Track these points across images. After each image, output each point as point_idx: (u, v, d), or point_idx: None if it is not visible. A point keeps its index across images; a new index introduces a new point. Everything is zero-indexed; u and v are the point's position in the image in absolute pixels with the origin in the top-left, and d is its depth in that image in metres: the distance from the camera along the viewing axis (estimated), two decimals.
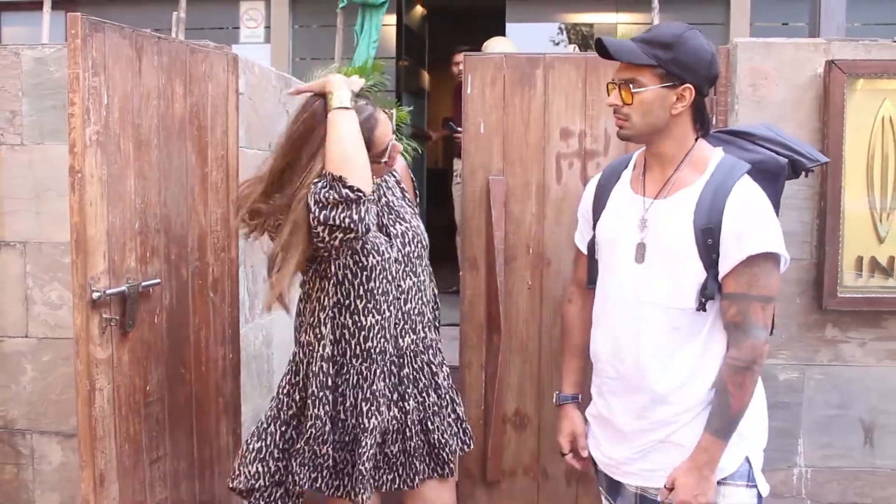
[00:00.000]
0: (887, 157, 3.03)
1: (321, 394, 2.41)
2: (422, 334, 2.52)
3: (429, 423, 2.51)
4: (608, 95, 2.23)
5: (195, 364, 3.05)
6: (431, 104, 11.69)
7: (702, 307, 2.16)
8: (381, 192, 2.53)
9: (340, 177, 2.14)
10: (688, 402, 2.19)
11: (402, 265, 2.45)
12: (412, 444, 2.49)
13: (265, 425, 2.52)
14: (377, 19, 8.79)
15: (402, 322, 2.46)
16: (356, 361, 2.40)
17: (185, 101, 2.92)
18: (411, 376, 2.50)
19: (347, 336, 2.40)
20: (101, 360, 2.56)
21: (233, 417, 3.33)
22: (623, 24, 10.87)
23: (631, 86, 2.16)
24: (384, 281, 2.39)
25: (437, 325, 2.66)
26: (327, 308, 2.40)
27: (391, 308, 2.42)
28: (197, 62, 2.98)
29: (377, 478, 2.46)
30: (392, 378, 2.46)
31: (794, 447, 3.14)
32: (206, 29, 9.04)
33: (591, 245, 2.44)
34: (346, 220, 2.14)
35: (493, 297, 3.08)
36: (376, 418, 2.40)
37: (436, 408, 2.53)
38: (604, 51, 2.20)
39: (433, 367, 2.55)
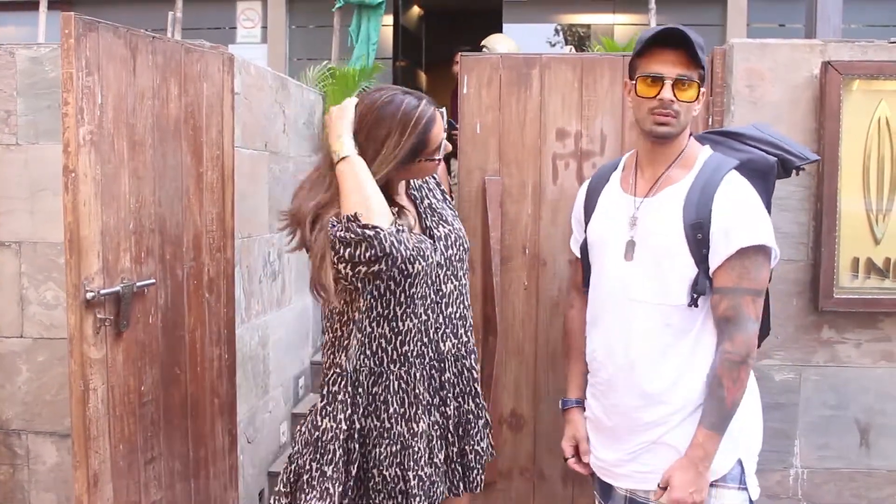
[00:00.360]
0: (883, 158, 3.03)
1: (343, 407, 2.28)
2: (464, 339, 2.42)
3: (461, 431, 2.42)
4: (657, 89, 2.16)
5: (190, 364, 3.04)
6: None
7: (693, 303, 2.17)
8: (423, 193, 2.44)
9: (354, 215, 2.07)
10: (679, 401, 2.20)
11: (444, 269, 2.35)
12: (455, 451, 2.41)
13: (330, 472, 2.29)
14: (376, 21, 8.79)
15: (444, 326, 2.35)
16: (395, 367, 2.29)
17: (180, 100, 2.91)
18: (452, 381, 2.39)
19: (384, 344, 2.29)
20: (96, 360, 2.55)
21: (228, 418, 3.32)
22: (620, 25, 10.89)
23: (699, 84, 2.18)
24: (424, 285, 2.29)
25: None
26: (365, 323, 2.28)
27: (429, 311, 2.31)
28: (192, 62, 2.98)
29: (430, 493, 2.33)
30: (434, 382, 2.35)
31: (791, 448, 3.14)
32: (203, 29, 9.05)
33: (584, 248, 2.44)
34: (368, 255, 2.06)
35: (489, 297, 3.07)
36: (424, 422, 2.31)
37: (471, 416, 2.44)
38: (672, 39, 2.16)
39: (474, 372, 2.45)
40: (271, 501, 2.42)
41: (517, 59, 3.11)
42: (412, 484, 2.26)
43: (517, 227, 3.09)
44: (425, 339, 2.31)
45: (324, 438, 2.26)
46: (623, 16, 10.79)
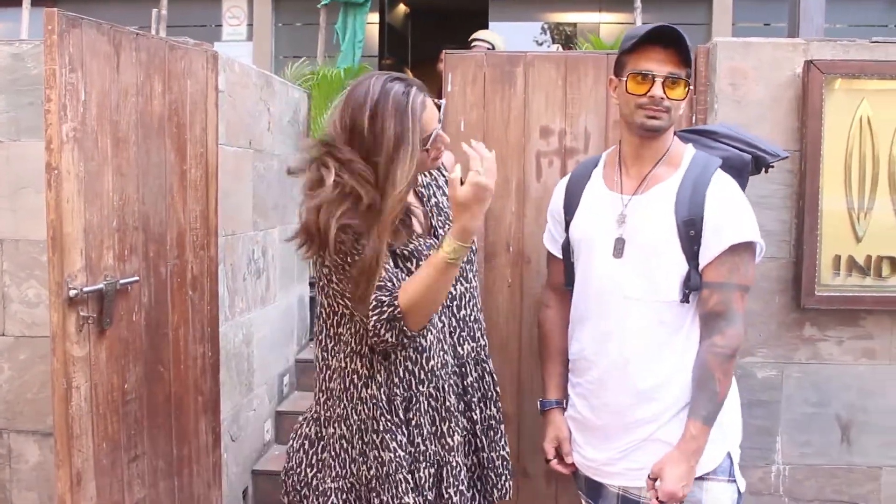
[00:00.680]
0: (865, 156, 3.05)
1: (391, 436, 2.16)
2: (482, 342, 2.33)
3: (486, 438, 2.32)
4: (647, 86, 2.17)
5: (174, 362, 3.04)
6: None
7: (685, 298, 2.19)
8: (431, 191, 2.31)
9: (405, 321, 2.01)
10: (672, 397, 2.22)
11: None
12: (485, 456, 2.31)
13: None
14: (361, 18, 8.80)
15: (459, 329, 2.25)
16: (423, 387, 2.17)
17: (164, 98, 2.91)
18: (475, 385, 2.30)
19: (410, 366, 2.15)
20: (79, 358, 2.54)
21: (212, 416, 3.31)
22: (606, 24, 10.92)
23: (688, 82, 2.20)
24: None
25: None
26: (418, 338, 2.14)
27: (443, 318, 2.21)
28: (176, 59, 2.97)
29: None
30: (457, 388, 2.25)
31: (773, 445, 3.15)
32: (189, 27, 9.02)
33: (566, 246, 2.44)
34: (390, 350, 2.10)
35: None
36: (458, 434, 2.21)
37: (493, 421, 2.34)
38: (664, 38, 2.18)
39: (494, 376, 2.36)
40: None
41: (501, 57, 3.12)
42: (454, 501, 2.17)
43: (501, 225, 3.10)
44: (445, 346, 2.22)
45: (391, 471, 2.12)
46: (609, 14, 10.83)
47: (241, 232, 4.00)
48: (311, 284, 5.71)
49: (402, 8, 12.27)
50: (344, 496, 2.17)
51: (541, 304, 2.64)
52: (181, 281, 3.06)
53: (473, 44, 5.22)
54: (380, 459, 2.13)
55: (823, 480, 3.17)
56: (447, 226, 2.23)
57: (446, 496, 2.17)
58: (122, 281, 2.69)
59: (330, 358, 2.20)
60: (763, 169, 2.46)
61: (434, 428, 2.19)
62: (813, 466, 3.16)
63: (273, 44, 10.70)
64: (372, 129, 2.01)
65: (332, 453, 2.20)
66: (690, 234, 2.18)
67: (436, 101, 2.16)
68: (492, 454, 2.32)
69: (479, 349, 2.31)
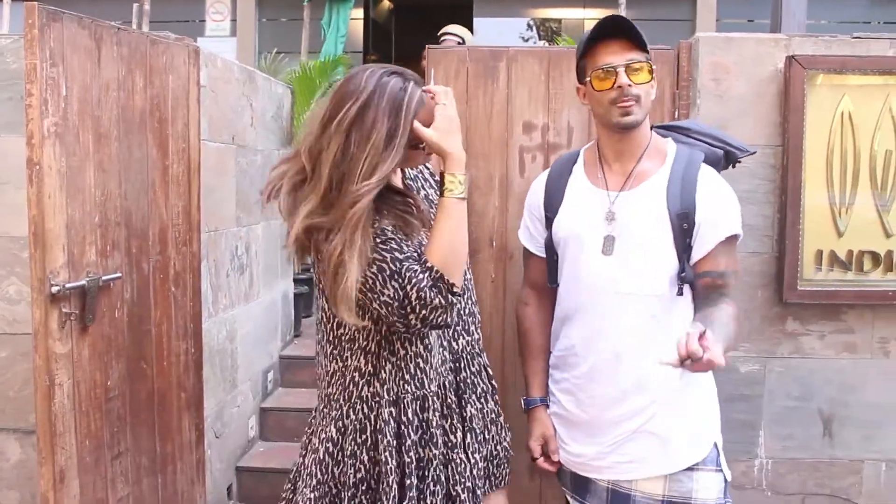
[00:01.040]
0: (846, 152, 3.06)
1: (409, 440, 2.10)
2: (476, 335, 2.31)
3: (485, 433, 2.29)
4: (612, 79, 2.17)
5: (157, 359, 3.02)
6: None
7: (680, 291, 2.22)
8: (419, 184, 2.30)
9: (447, 278, 1.93)
10: (661, 389, 2.23)
11: None
12: (490, 449, 2.31)
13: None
14: (345, 13, 8.77)
15: (455, 324, 2.23)
16: (432, 386, 2.14)
17: (146, 92, 2.89)
18: (469, 381, 2.27)
19: (422, 363, 2.12)
20: (61, 355, 2.53)
21: (195, 412, 3.30)
22: (591, 20, 10.92)
23: (651, 65, 2.20)
24: None
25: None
26: (397, 345, 2.09)
27: None
28: (157, 54, 2.95)
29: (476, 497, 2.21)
30: (453, 384, 2.22)
31: (756, 439, 3.17)
32: (172, 22, 8.96)
33: (549, 243, 2.43)
34: (443, 323, 1.96)
35: None
36: (460, 431, 2.18)
37: (493, 415, 2.32)
38: (612, 30, 2.19)
39: (490, 369, 2.35)
40: None
41: (484, 51, 3.11)
42: (462, 498, 2.13)
43: (484, 220, 3.10)
44: (443, 343, 2.20)
45: (385, 475, 2.06)
46: (593, 10, 10.82)
47: (224, 228, 3.99)
48: (296, 281, 5.70)
49: (386, 4, 12.24)
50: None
51: (519, 301, 2.63)
52: (164, 277, 3.05)
53: (443, 38, 5.18)
54: (374, 461, 2.09)
55: (806, 474, 3.19)
56: None
57: (454, 494, 2.14)
58: (104, 277, 2.68)
59: (329, 363, 2.15)
60: (732, 164, 2.52)
61: (439, 427, 2.14)
62: (795, 460, 3.18)
63: (257, 39, 10.66)
64: (362, 122, 1.93)
65: (316, 459, 2.14)
66: (684, 227, 2.20)
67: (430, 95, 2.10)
68: (496, 446, 2.32)
69: (473, 343, 2.31)
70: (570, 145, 3.05)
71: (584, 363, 2.31)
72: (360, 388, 2.10)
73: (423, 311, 1.92)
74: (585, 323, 2.31)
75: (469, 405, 2.25)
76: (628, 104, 2.17)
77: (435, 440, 2.12)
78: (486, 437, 2.29)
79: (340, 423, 2.12)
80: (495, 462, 2.33)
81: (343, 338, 2.11)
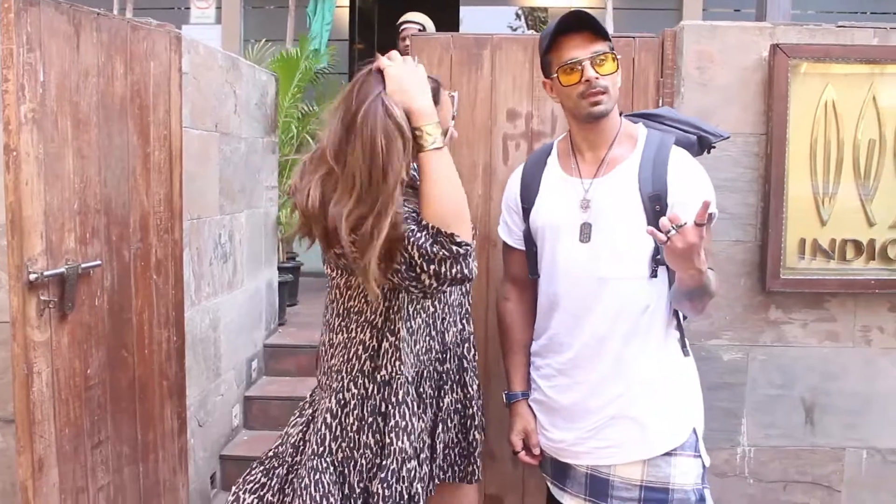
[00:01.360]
0: (829, 141, 3.06)
1: (405, 423, 2.14)
2: (460, 326, 2.33)
3: (466, 422, 2.35)
4: (578, 73, 2.19)
5: (138, 347, 3.01)
6: None
7: (654, 274, 2.23)
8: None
9: (445, 230, 1.92)
10: (641, 373, 2.25)
11: None
12: (461, 437, 2.35)
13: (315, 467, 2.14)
14: (330, 1, 8.72)
15: (448, 315, 2.27)
16: (405, 370, 2.16)
17: (126, 79, 2.86)
18: (451, 370, 2.30)
19: (405, 347, 2.14)
20: (40, 342, 2.51)
21: (177, 401, 3.29)
22: (577, 9, 10.90)
23: (615, 55, 2.21)
24: None
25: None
26: (399, 325, 2.12)
27: (436, 303, 2.21)
28: (138, 40, 2.93)
29: (430, 487, 2.26)
30: (435, 375, 2.26)
31: (738, 427, 3.18)
32: (156, 9, 8.88)
33: (528, 235, 2.43)
34: (458, 275, 1.93)
35: None
36: (423, 420, 2.21)
37: (468, 402, 2.35)
38: (576, 23, 2.20)
39: (464, 361, 2.35)
40: None
41: (468, 39, 3.09)
42: (415, 487, 2.15)
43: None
44: (433, 333, 2.23)
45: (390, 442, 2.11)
46: None
47: (207, 216, 3.97)
48: (280, 269, 5.68)
49: None
50: (317, 476, 2.12)
51: (500, 297, 2.63)
52: (145, 265, 3.03)
53: (403, 26, 5.09)
54: (376, 435, 2.13)
55: (788, 461, 3.20)
56: None
57: (413, 492, 2.16)
58: (83, 265, 2.65)
59: (334, 336, 2.18)
60: (707, 149, 2.52)
61: (415, 415, 2.17)
62: (777, 448, 3.19)
63: (242, 27, 10.59)
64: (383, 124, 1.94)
65: (314, 428, 2.18)
66: (656, 209, 2.21)
67: (450, 93, 2.19)
68: (468, 436, 2.36)
69: (457, 334, 2.33)
70: (554, 133, 3.04)
71: (569, 350, 2.33)
72: (362, 362, 2.15)
73: (433, 267, 1.92)
74: (567, 310, 2.32)
75: (446, 396, 2.28)
76: (597, 96, 2.19)
77: (409, 428, 2.14)
78: (466, 425, 2.34)
79: (342, 396, 2.16)
80: (470, 452, 2.36)
81: (352, 310, 2.14)
